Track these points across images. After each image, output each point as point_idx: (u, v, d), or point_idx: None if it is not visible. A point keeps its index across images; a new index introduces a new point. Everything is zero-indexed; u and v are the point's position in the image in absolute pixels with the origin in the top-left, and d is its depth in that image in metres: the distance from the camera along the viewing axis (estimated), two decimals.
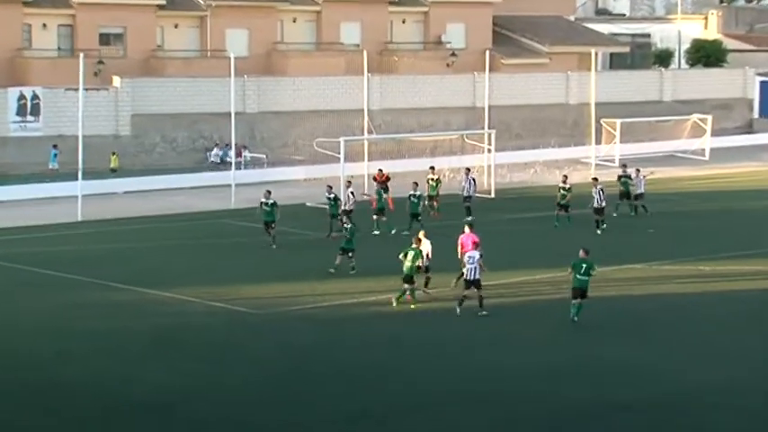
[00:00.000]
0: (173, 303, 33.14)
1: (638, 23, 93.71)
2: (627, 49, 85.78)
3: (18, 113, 61.99)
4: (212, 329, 30.24)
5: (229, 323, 30.99)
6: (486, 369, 26.63)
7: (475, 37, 76.24)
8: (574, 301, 30.85)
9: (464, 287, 31.62)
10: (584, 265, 30.80)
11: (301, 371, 26.35)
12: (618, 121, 68.43)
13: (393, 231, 44.00)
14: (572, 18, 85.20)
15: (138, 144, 64.29)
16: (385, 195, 46.59)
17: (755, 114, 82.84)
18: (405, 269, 32.40)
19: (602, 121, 67.35)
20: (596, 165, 62.98)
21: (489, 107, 60.67)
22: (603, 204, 45.20)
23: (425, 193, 47.28)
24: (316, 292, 34.07)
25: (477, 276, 31.22)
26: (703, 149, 71.51)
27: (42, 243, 43.20)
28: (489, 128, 59.26)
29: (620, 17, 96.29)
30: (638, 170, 49.98)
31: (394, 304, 32.45)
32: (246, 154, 63.81)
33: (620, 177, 49.29)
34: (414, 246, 33.05)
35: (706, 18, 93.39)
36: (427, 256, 33.80)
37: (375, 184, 50.16)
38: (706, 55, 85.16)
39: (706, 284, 35.68)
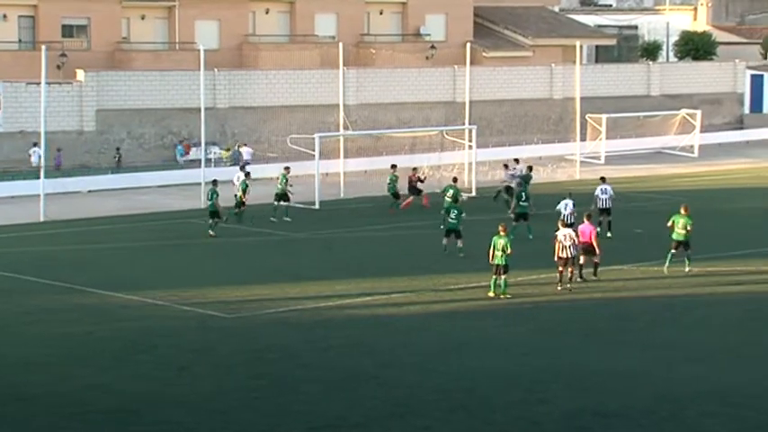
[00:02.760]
0: (140, 307, 32.86)
1: (624, 15, 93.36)
2: (613, 42, 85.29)
3: None
4: (181, 334, 29.93)
5: (199, 327, 30.63)
6: (465, 375, 26.14)
7: (455, 29, 75.57)
8: (673, 251, 36.15)
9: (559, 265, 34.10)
10: (682, 221, 36.08)
11: (274, 376, 26.00)
12: (604, 117, 68.38)
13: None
14: (556, 9, 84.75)
15: (103, 140, 63.14)
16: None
17: (746, 110, 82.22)
18: (496, 259, 33.01)
19: (587, 117, 66.93)
20: (581, 162, 62.03)
21: (470, 102, 60.76)
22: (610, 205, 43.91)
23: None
24: (288, 295, 33.88)
25: (575, 254, 34.01)
26: (692, 146, 71.32)
27: (2, 244, 42.74)
28: (470, 123, 59.05)
29: (607, 8, 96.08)
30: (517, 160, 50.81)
31: (491, 294, 33.41)
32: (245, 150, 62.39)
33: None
34: (502, 233, 33.41)
35: (695, 9, 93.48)
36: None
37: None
38: (695, 48, 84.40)
39: (695, 286, 35.39)
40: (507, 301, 33.11)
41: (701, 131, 71.85)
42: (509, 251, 33.15)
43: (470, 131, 57.98)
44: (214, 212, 44.19)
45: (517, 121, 73.14)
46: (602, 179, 45.08)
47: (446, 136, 61.06)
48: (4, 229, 46.21)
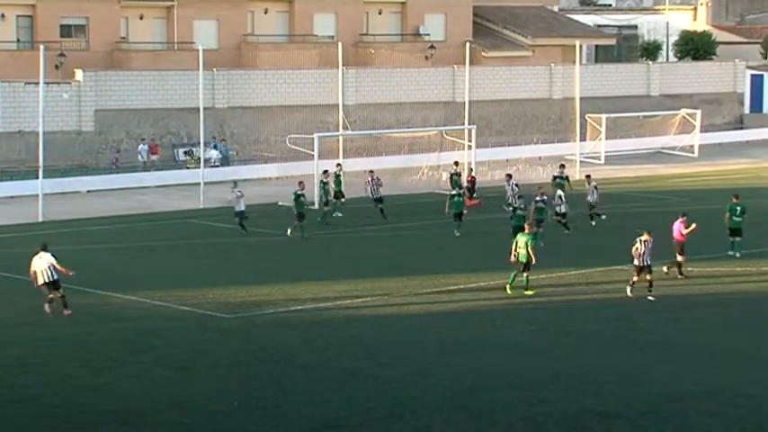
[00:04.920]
0: (140, 307, 32.72)
1: (624, 15, 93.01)
2: (613, 42, 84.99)
3: None
4: (181, 334, 29.76)
5: (199, 328, 30.45)
6: (465, 375, 26.08)
7: (454, 29, 75.37)
8: (731, 239, 38.82)
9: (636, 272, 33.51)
10: (738, 208, 38.91)
11: (274, 377, 25.88)
12: (603, 117, 68.03)
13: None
14: (556, 9, 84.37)
15: (102, 141, 62.84)
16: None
17: (746, 109, 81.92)
18: (520, 256, 33.19)
19: (587, 117, 66.60)
20: (581, 162, 61.88)
21: (470, 102, 60.50)
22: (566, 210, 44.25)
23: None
24: (288, 296, 33.76)
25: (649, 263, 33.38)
26: (692, 146, 71.10)
27: (1, 244, 42.58)
28: (470, 123, 58.90)
29: (606, 8, 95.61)
30: (587, 176, 48.37)
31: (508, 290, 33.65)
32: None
33: (555, 178, 48.58)
34: (526, 231, 33.85)
35: (695, 9, 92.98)
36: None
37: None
38: (695, 47, 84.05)
39: (695, 286, 35.27)
40: (507, 302, 33.00)
41: (701, 131, 71.60)
42: (531, 249, 33.25)
43: (470, 131, 57.83)
44: (302, 214, 43.46)
45: (517, 121, 72.90)
46: (588, 177, 46.47)
47: (445, 136, 60.83)
48: (3, 229, 46.03)
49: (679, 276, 35.64)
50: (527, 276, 33.49)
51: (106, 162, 61.26)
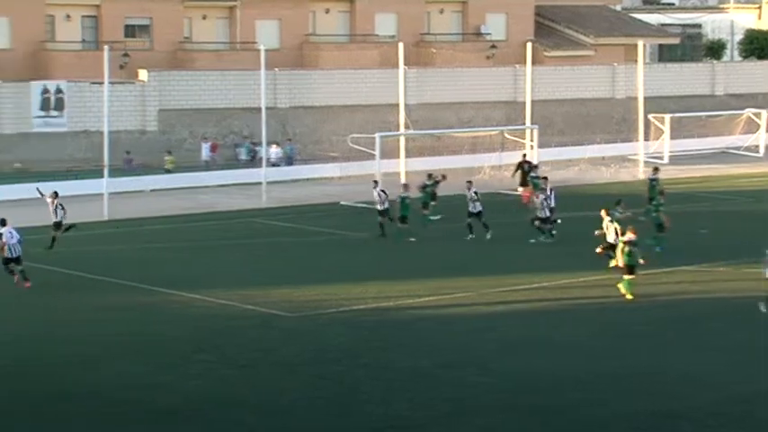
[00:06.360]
0: (203, 306, 32.82)
1: (688, 13, 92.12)
2: (677, 41, 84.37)
3: (42, 108, 61.41)
4: (245, 333, 29.78)
5: (263, 326, 30.47)
6: (525, 375, 25.96)
7: (516, 28, 75.22)
8: None
9: None
10: None
11: (336, 376, 25.89)
12: (667, 117, 67.43)
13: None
14: (618, 8, 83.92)
15: (165, 140, 63.05)
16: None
17: None
18: (624, 259, 32.87)
19: (650, 117, 65.95)
20: (645, 162, 61.42)
21: (531, 102, 60.15)
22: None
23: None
24: (350, 295, 33.73)
25: None
26: (757, 146, 70.34)
27: (67, 243, 42.33)
28: (531, 123, 58.70)
29: (670, 7, 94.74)
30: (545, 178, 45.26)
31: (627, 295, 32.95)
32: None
33: (650, 181, 47.26)
34: (630, 235, 33.16)
35: (760, 7, 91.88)
36: None
37: None
38: (760, 47, 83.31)
39: (763, 287, 33.73)
40: (571, 302, 32.75)
41: (767, 131, 70.94)
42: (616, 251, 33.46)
43: (531, 131, 57.59)
44: (405, 217, 42.91)
45: (579, 121, 72.56)
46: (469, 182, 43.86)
47: (507, 136, 60.65)
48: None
49: None
50: (626, 279, 33.03)
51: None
